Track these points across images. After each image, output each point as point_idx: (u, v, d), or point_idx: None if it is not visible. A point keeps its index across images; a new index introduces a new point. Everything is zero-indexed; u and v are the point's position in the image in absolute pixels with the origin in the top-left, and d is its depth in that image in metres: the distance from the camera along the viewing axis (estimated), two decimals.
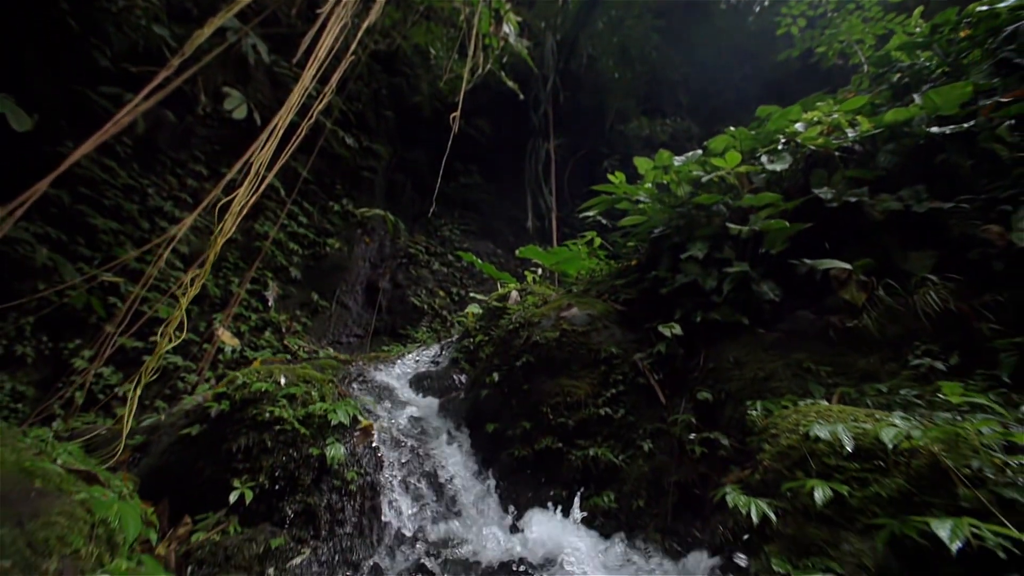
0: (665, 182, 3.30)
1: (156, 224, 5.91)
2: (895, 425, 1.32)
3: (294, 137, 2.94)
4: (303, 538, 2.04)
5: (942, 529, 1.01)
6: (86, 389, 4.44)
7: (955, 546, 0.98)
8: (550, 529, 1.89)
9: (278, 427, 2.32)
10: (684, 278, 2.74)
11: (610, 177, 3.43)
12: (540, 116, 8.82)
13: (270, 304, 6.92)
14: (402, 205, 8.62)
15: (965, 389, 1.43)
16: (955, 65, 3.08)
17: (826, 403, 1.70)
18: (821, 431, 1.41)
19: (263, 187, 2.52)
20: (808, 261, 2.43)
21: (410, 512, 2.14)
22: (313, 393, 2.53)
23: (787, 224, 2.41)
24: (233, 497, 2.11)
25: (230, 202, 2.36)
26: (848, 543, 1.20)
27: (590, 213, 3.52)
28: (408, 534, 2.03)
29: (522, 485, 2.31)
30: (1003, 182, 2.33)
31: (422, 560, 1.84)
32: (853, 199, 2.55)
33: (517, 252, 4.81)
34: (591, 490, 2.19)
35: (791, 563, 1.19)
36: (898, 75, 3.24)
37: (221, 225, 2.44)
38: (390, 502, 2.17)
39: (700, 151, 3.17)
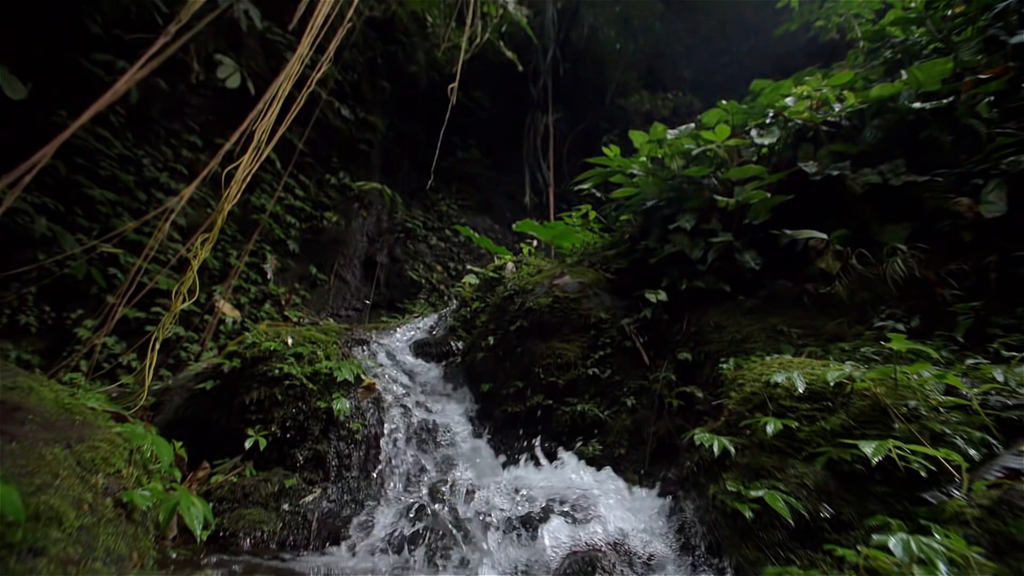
0: (659, 156, 3.40)
1: (152, 196, 5.97)
2: (841, 369, 1.50)
3: (293, 106, 3.01)
4: (314, 480, 2.25)
5: (868, 448, 1.20)
6: (93, 359, 4.62)
7: (876, 459, 1.18)
8: (538, 470, 2.11)
9: (287, 382, 2.51)
10: (672, 248, 2.89)
11: (605, 150, 3.52)
12: (539, 89, 8.74)
13: (269, 277, 7.06)
14: (399, 179, 8.64)
15: (913, 342, 1.60)
16: (947, 41, 3.14)
17: (789, 357, 1.89)
18: (779, 377, 1.60)
19: (264, 155, 2.62)
20: (788, 232, 2.58)
21: (410, 459, 2.35)
22: (319, 352, 2.71)
23: (768, 196, 2.54)
24: (248, 444, 2.31)
25: (235, 168, 2.47)
26: (793, 468, 1.40)
27: (584, 186, 3.63)
28: (409, 477, 2.24)
29: (514, 437, 2.53)
30: (978, 157, 2.46)
31: (422, 495, 2.05)
32: (835, 172, 2.68)
33: (514, 226, 4.93)
34: (578, 440, 2.40)
35: (743, 484, 1.39)
36: (891, 50, 3.30)
37: (227, 191, 2.55)
38: (392, 450, 2.38)
39: (693, 124, 3.26)
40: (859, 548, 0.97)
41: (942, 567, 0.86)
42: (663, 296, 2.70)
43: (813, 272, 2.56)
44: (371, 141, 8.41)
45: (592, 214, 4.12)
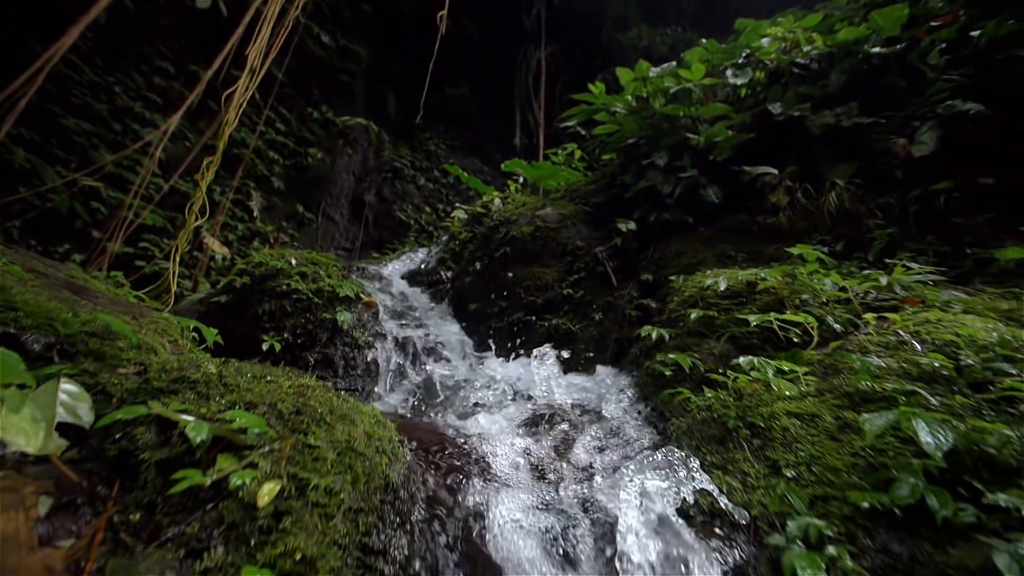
0: (644, 94, 3.65)
1: (128, 126, 6.00)
2: (755, 272, 1.96)
3: (281, 27, 3.13)
4: (324, 376, 2.73)
5: (753, 318, 1.67)
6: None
7: (753, 323, 1.65)
8: (515, 368, 2.61)
9: (295, 296, 2.91)
10: (645, 183, 3.25)
11: (590, 87, 3.74)
12: (533, 19, 8.51)
13: (255, 214, 7.25)
14: (385, 116, 8.58)
15: (819, 253, 2.05)
16: None
17: (724, 269, 2.34)
18: (709, 281, 2.05)
19: (260, 78, 2.82)
20: (748, 168, 2.94)
21: (407, 361, 2.83)
22: (321, 272, 3.10)
23: (730, 133, 2.87)
24: (264, 347, 2.76)
25: (233, 92, 2.68)
26: (707, 344, 1.88)
27: (570, 123, 3.88)
28: (406, 374, 2.73)
29: (496, 345, 3.02)
30: (919, 101, 2.80)
31: (417, 387, 2.55)
32: (796, 113, 3.00)
33: (503, 166, 5.18)
34: (552, 348, 2.90)
35: (668, 356, 1.88)
36: None
37: (226, 115, 2.78)
38: (390, 354, 2.85)
39: (675, 63, 3.48)
40: (729, 374, 1.45)
41: (769, 372, 1.35)
42: (633, 226, 3.10)
43: (767, 206, 2.97)
44: (353, 72, 8.24)
45: (577, 153, 4.40)
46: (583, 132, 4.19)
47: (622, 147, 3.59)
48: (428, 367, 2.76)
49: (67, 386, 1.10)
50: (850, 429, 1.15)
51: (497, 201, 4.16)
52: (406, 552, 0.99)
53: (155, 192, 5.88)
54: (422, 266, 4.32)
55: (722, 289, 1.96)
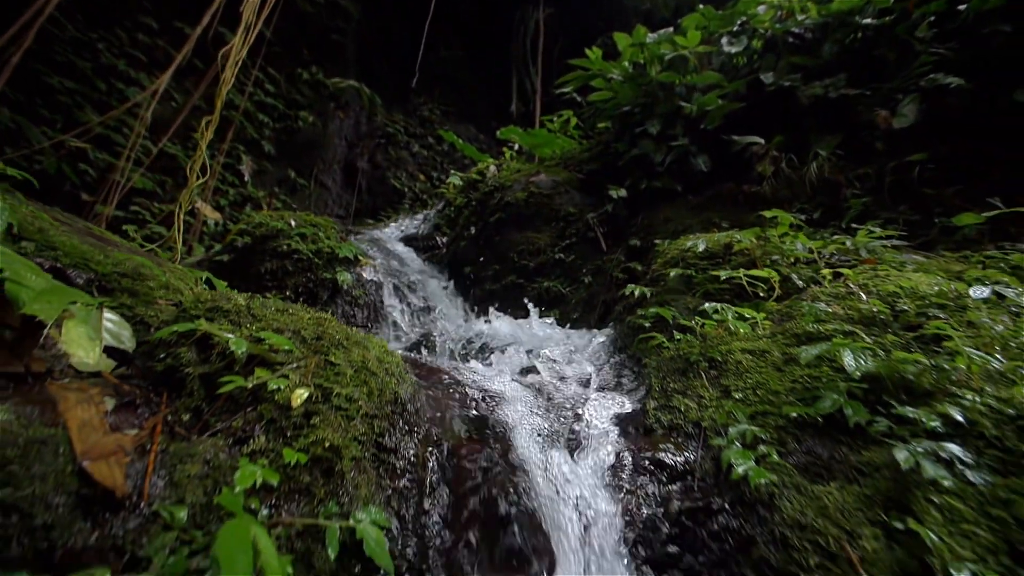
0: (641, 60, 3.71)
1: (113, 85, 5.92)
2: (731, 234, 2.14)
3: None
4: None
5: (723, 273, 1.87)
6: None
7: (723, 277, 1.86)
8: (511, 325, 2.81)
9: (296, 256, 3.06)
10: (638, 151, 3.38)
11: (587, 52, 3.79)
12: None
13: (246, 179, 7.25)
14: (378, 79, 8.45)
15: (793, 219, 2.23)
16: None
17: (705, 232, 2.52)
18: (689, 243, 2.23)
19: (255, 33, 2.86)
20: (736, 137, 3.08)
21: (405, 319, 3.03)
22: (320, 234, 3.23)
23: (720, 102, 2.99)
24: None
25: (229, 50, 2.73)
26: (684, 300, 2.08)
27: (566, 89, 3.95)
28: (404, 329, 2.93)
29: (490, 306, 3.21)
30: (904, 73, 2.92)
31: (416, 342, 2.75)
32: (787, 83, 3.12)
33: (498, 132, 5.24)
34: (543, 308, 3.10)
35: (651, 310, 2.08)
36: None
37: (223, 74, 2.84)
38: (389, 312, 3.04)
39: (672, 29, 3.54)
40: (697, 320, 1.66)
41: (729, 316, 1.56)
42: (624, 193, 3.25)
43: (753, 175, 3.12)
44: (344, 30, 8.05)
45: (573, 120, 4.47)
46: (579, 99, 4.25)
47: (617, 115, 3.69)
48: (426, 325, 2.96)
49: (109, 315, 1.28)
50: (793, 362, 1.37)
51: (492, 168, 4.26)
52: (413, 453, 1.21)
53: (143, 155, 5.88)
54: (418, 231, 4.46)
55: (701, 250, 2.15)
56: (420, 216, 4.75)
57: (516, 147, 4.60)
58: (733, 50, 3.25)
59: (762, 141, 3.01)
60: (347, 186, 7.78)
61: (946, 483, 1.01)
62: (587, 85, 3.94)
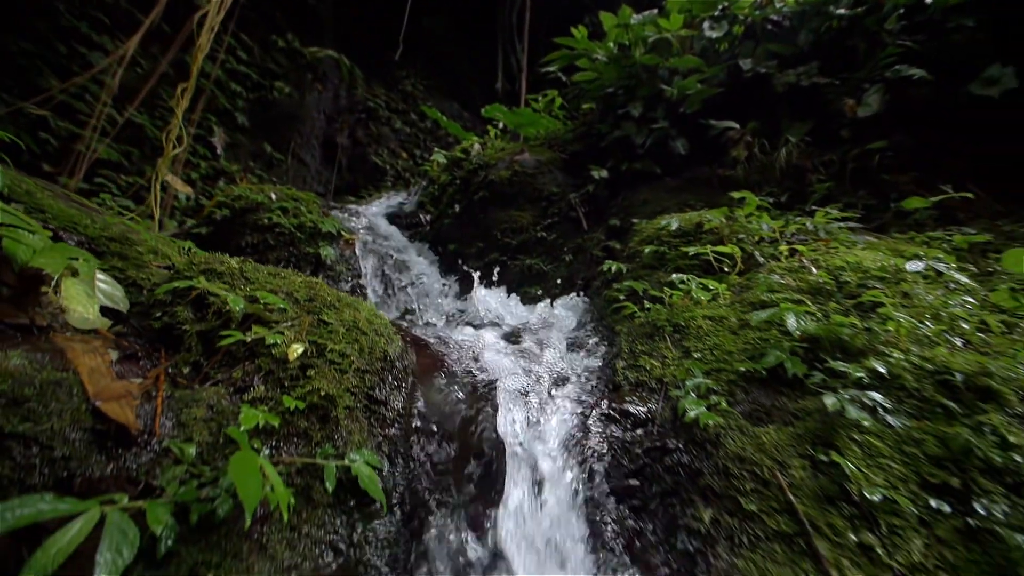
0: (626, 42, 3.79)
1: (74, 49, 5.65)
2: (701, 214, 2.29)
3: None
4: None
5: (691, 249, 2.02)
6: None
7: (691, 252, 2.01)
8: (494, 300, 2.93)
9: (277, 230, 3.09)
10: (620, 133, 3.49)
11: (573, 31, 3.84)
12: None
13: (219, 152, 7.06)
14: (358, 50, 8.24)
15: (760, 201, 2.40)
16: None
17: (680, 212, 2.67)
18: (664, 222, 2.38)
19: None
20: (713, 122, 3.22)
21: (389, 294, 3.11)
22: (302, 208, 3.25)
23: (699, 87, 3.12)
24: None
25: (205, 14, 2.69)
26: (657, 275, 2.23)
27: (551, 68, 4.00)
28: (388, 305, 3.02)
29: (473, 283, 3.32)
30: (871, 64, 3.10)
31: (401, 316, 2.85)
32: (764, 70, 3.26)
33: (483, 111, 5.25)
34: (524, 285, 3.22)
35: (626, 283, 2.22)
36: None
37: (198, 40, 2.79)
38: (372, 288, 3.11)
39: (657, 10, 3.61)
40: (666, 291, 1.81)
41: (694, 286, 1.71)
42: (605, 174, 3.37)
43: (728, 159, 3.28)
44: None
45: (558, 100, 4.54)
46: (564, 79, 4.31)
47: (601, 96, 3.78)
48: (411, 300, 3.05)
49: (101, 276, 1.34)
50: (747, 327, 1.53)
51: (477, 146, 4.31)
52: (401, 406, 1.32)
53: (109, 124, 5.67)
54: (401, 209, 4.49)
55: (674, 229, 2.30)
56: (403, 194, 4.77)
57: (501, 126, 4.64)
58: (714, 35, 3.37)
59: (737, 126, 3.16)
60: (326, 162, 7.66)
61: (867, 424, 1.20)
62: (572, 65, 4.00)
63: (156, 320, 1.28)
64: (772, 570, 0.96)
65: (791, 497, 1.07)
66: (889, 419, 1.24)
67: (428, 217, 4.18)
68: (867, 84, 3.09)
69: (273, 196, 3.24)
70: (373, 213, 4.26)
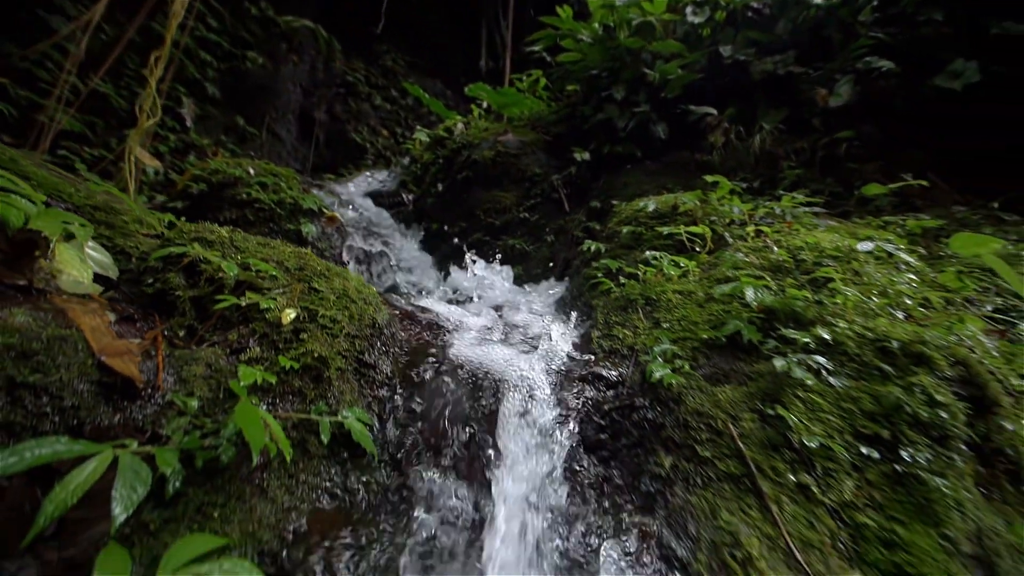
0: (611, 23, 3.85)
1: (35, 15, 5.36)
2: (676, 196, 2.43)
3: None
4: None
5: (665, 229, 2.16)
6: None
7: (666, 233, 2.15)
8: (476, 279, 3.03)
9: (256, 205, 3.09)
10: (603, 116, 3.58)
11: (558, 10, 3.88)
12: None
13: (188, 124, 6.84)
14: (336, 21, 8.03)
15: (732, 185, 2.55)
16: None
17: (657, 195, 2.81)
18: (641, 203, 2.51)
19: None
20: (693, 107, 3.35)
21: (372, 272, 3.17)
22: (282, 184, 3.26)
23: (680, 72, 3.23)
24: None
25: None
26: (633, 254, 2.37)
27: (535, 48, 4.04)
28: (372, 282, 3.08)
29: (456, 261, 3.41)
30: (844, 55, 3.27)
31: (383, 293, 2.92)
32: (743, 58, 3.39)
33: (467, 89, 5.25)
34: (507, 265, 3.33)
35: (604, 262, 2.35)
36: None
37: (172, 6, 2.73)
38: (355, 266, 3.17)
39: None
40: (641, 268, 1.95)
41: (665, 263, 1.86)
42: (587, 156, 3.47)
43: (705, 145, 3.43)
44: None
45: (542, 81, 4.58)
46: (549, 59, 4.35)
47: (585, 77, 3.85)
48: (394, 278, 3.12)
49: (90, 243, 1.38)
50: (713, 300, 1.68)
51: (460, 125, 4.34)
52: (390, 369, 1.43)
53: (71, 94, 5.45)
54: (383, 188, 4.51)
55: (651, 210, 2.43)
56: (384, 173, 4.78)
57: (484, 105, 4.67)
58: (697, 20, 3.47)
59: (715, 112, 3.30)
60: (303, 138, 7.51)
61: (810, 383, 1.36)
62: (557, 45, 4.05)
63: (148, 286, 1.34)
64: (721, 505, 1.12)
65: (740, 445, 1.23)
66: (831, 379, 1.41)
67: (410, 196, 4.22)
68: (839, 75, 3.25)
69: (251, 171, 3.23)
70: (353, 191, 4.27)
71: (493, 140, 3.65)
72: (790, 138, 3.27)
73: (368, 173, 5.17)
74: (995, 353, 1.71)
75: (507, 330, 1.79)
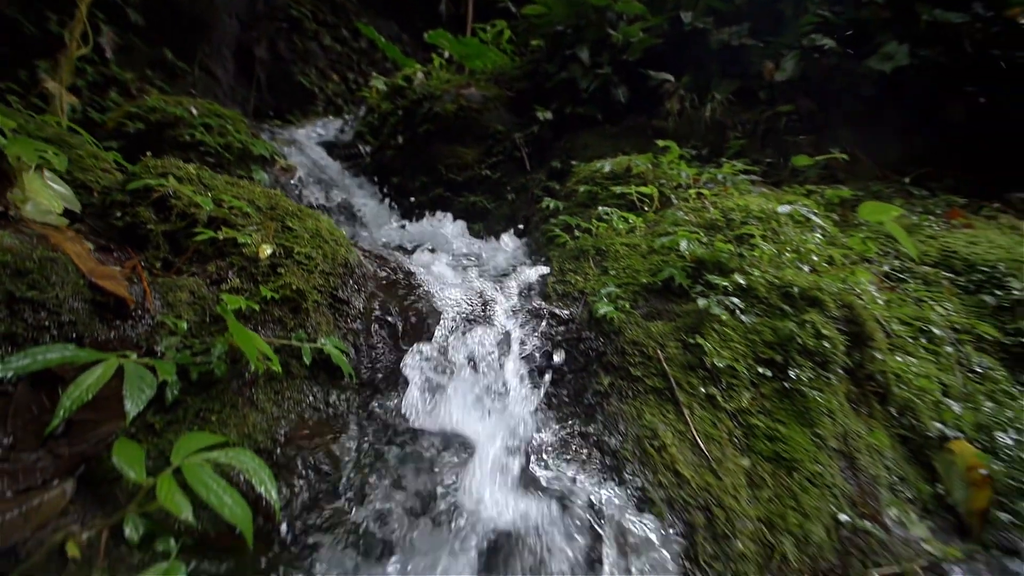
0: None
1: None
2: (630, 158, 2.68)
3: None
4: None
5: (618, 188, 2.42)
6: None
7: (618, 192, 2.41)
8: (438, 234, 3.18)
9: (202, 148, 3.03)
10: (566, 75, 3.73)
11: None
12: None
13: (108, 56, 6.22)
14: None
15: (681, 152, 2.83)
16: None
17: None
18: (598, 164, 2.73)
19: None
20: (652, 73, 3.56)
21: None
22: (228, 126, 3.18)
23: (642, 35, 3.42)
24: None
25: None
26: (589, 211, 2.61)
27: None
28: None
29: (417, 215, 3.53)
30: (793, 30, 3.58)
31: None
32: (701, 26, 3.61)
33: (426, 36, 5.14)
34: (469, 221, 3.49)
35: (561, 218, 2.58)
36: None
37: None
38: None
39: None
40: (594, 223, 2.20)
41: (615, 219, 2.12)
42: (550, 116, 3.63)
43: (662, 111, 3.68)
44: None
45: (507, 33, 4.60)
46: (514, 9, 4.37)
47: (550, 33, 3.94)
48: (354, 231, 3.21)
49: (50, 175, 1.43)
50: (654, 252, 1.97)
51: (420, 75, 4.32)
52: (362, 306, 1.60)
53: None
54: (338, 138, 4.45)
55: (607, 171, 2.67)
56: (338, 122, 4.68)
57: (446, 55, 4.64)
58: None
59: (673, 79, 3.54)
60: (242, 77, 7.04)
61: (725, 318, 1.69)
62: None
63: (118, 219, 1.41)
64: (645, 410, 1.42)
65: (665, 367, 1.53)
66: (742, 316, 1.74)
67: (368, 148, 4.21)
68: (787, 49, 3.57)
69: (194, 111, 3.13)
70: (307, 139, 4.19)
71: (455, 93, 3.70)
72: (739, 109, 3.59)
73: (320, 122, 5.04)
74: (879, 301, 2.13)
75: (469, 276, 2.00)
